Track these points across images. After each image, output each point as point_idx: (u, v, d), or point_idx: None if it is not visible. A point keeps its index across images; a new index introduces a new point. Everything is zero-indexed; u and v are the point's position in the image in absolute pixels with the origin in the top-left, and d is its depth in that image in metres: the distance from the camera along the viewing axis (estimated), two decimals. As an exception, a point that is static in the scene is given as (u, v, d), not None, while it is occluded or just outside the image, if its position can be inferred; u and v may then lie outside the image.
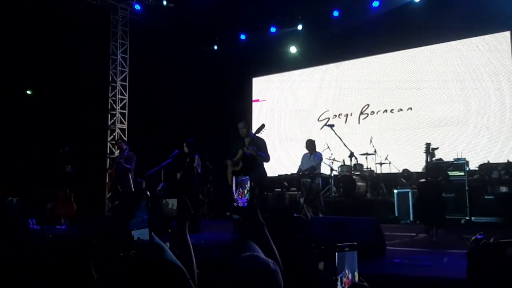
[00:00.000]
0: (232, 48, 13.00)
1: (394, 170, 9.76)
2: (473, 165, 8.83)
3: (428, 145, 6.61)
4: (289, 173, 9.37)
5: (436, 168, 7.51)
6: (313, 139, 9.27)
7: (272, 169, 7.17)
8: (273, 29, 12.47)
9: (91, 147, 11.19)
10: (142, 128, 12.16)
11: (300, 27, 12.11)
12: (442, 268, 4.22)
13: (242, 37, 13.00)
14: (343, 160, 9.83)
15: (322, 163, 8.87)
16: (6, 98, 9.93)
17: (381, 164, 9.75)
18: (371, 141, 9.78)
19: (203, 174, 10.85)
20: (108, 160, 11.92)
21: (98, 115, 11.95)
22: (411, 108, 10.73)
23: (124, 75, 12.55)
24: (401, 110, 10.88)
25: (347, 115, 11.76)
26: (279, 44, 12.57)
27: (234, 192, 2.16)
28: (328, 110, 12.10)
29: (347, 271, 1.66)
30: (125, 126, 12.48)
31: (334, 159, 9.42)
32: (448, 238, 5.96)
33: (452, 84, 10.22)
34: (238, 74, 13.28)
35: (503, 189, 8.21)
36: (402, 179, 9.66)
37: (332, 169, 9.29)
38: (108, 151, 12.20)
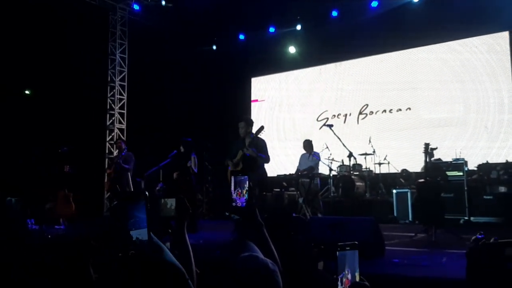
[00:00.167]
0: (231, 48, 13.00)
1: (393, 170, 9.77)
2: (472, 165, 8.84)
3: (427, 145, 6.62)
4: (287, 173, 9.37)
5: (435, 168, 7.52)
6: (312, 139, 9.28)
7: (271, 169, 7.18)
8: (272, 29, 12.47)
9: (90, 147, 11.19)
10: (141, 128, 12.15)
11: (299, 27, 12.11)
12: (441, 268, 4.23)
13: (241, 37, 12.99)
14: (342, 160, 9.83)
15: (321, 163, 8.87)
16: (6, 98, 9.92)
17: (380, 164, 9.75)
18: (370, 141, 9.78)
19: (202, 174, 10.87)
20: (106, 160, 11.91)
21: (96, 115, 11.95)
22: (410, 108, 10.74)
23: (122, 75, 12.55)
24: (400, 110, 10.89)
25: (346, 115, 11.76)
26: (278, 44, 12.57)
27: (233, 192, 2.16)
28: (327, 110, 12.11)
29: (347, 271, 1.66)
30: (123, 126, 12.48)
31: (333, 159, 9.43)
32: (447, 238, 5.97)
33: (451, 84, 10.23)
34: (237, 74, 13.28)
35: (502, 189, 8.22)
36: (401, 179, 9.67)
37: (331, 169, 9.30)
38: (107, 151, 12.19)
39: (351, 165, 9.50)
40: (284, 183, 10.10)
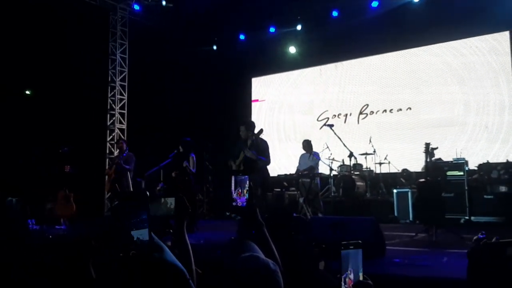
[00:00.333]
0: (231, 48, 13.00)
1: (393, 170, 9.77)
2: (472, 165, 8.84)
3: (427, 145, 6.62)
4: (288, 173, 9.37)
5: (435, 168, 7.51)
6: (312, 139, 9.29)
7: (272, 169, 7.18)
8: (272, 29, 12.47)
9: (91, 147, 11.19)
10: (141, 128, 12.15)
11: (299, 27, 12.11)
12: (442, 268, 4.22)
13: (241, 37, 13.00)
14: (343, 160, 9.83)
15: (321, 163, 8.87)
16: (6, 98, 9.92)
17: (380, 164, 9.76)
18: (370, 141, 9.79)
19: (202, 174, 10.87)
20: (107, 160, 11.91)
21: (97, 115, 11.95)
22: (410, 108, 10.73)
23: (123, 75, 12.55)
24: (401, 110, 10.88)
25: (346, 115, 11.76)
26: (278, 44, 12.57)
27: (233, 192, 2.16)
28: (327, 110, 12.10)
29: (350, 270, 1.66)
30: (124, 126, 12.48)
31: (333, 159, 9.43)
32: (448, 238, 5.96)
33: (451, 84, 10.23)
34: (237, 74, 13.28)
35: (503, 188, 8.22)
36: (402, 179, 9.67)
37: (331, 169, 9.30)
38: (108, 151, 12.19)
39: (351, 165, 9.50)
40: (285, 183, 10.11)
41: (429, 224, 6.14)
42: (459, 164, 8.38)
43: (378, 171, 9.83)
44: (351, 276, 1.66)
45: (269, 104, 13.37)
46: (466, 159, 8.53)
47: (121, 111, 12.49)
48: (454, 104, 10.13)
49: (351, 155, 9.14)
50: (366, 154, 9.80)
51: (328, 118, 11.93)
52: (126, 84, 12.58)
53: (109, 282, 1.70)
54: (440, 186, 6.60)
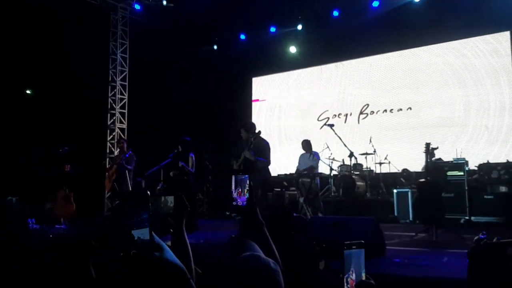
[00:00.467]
0: (232, 48, 13.00)
1: (393, 170, 9.78)
2: (472, 165, 8.84)
3: (427, 145, 6.62)
4: (288, 172, 9.37)
5: (435, 168, 7.52)
6: (313, 138, 9.28)
7: (272, 169, 7.18)
8: (273, 29, 12.47)
9: (91, 147, 11.18)
10: (142, 128, 12.15)
11: (300, 27, 12.11)
12: (442, 268, 4.22)
13: (242, 37, 13.00)
14: (343, 160, 9.84)
15: (321, 163, 8.87)
16: (6, 98, 9.92)
17: (380, 164, 9.76)
18: (370, 141, 9.79)
19: (202, 173, 10.86)
20: (108, 159, 11.91)
21: (97, 114, 11.95)
22: (410, 108, 10.73)
23: (124, 74, 12.55)
24: (401, 110, 10.88)
25: (346, 114, 11.76)
26: (279, 44, 12.57)
27: (233, 191, 2.16)
28: (327, 110, 12.10)
29: (353, 270, 1.66)
30: (124, 126, 12.48)
31: (333, 159, 9.43)
32: (448, 238, 5.96)
33: (451, 84, 10.23)
34: (238, 74, 13.28)
35: (503, 188, 8.22)
36: (402, 179, 9.67)
37: (331, 169, 9.30)
38: (108, 151, 12.19)
39: (351, 164, 9.51)
40: (285, 183, 10.11)
41: (429, 224, 6.14)
42: (459, 164, 8.37)
43: (378, 171, 9.84)
44: (354, 276, 1.66)
45: (270, 104, 13.38)
46: (466, 159, 8.53)
47: (121, 110, 12.50)
48: (454, 104, 10.13)
49: (351, 155, 9.14)
50: (366, 154, 9.80)
51: (328, 118, 11.93)
52: (126, 83, 12.58)
53: (109, 282, 1.70)
54: (440, 186, 6.60)
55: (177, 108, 12.73)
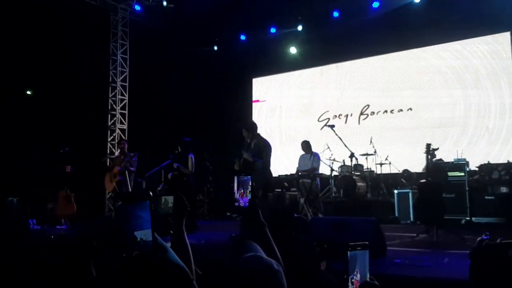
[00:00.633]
0: (232, 48, 12.99)
1: (394, 171, 9.77)
2: (473, 166, 8.82)
3: (428, 145, 6.62)
4: (289, 173, 9.37)
5: (436, 168, 7.52)
6: (313, 139, 9.28)
7: (272, 169, 7.18)
8: (273, 30, 12.47)
9: (91, 148, 11.18)
10: (142, 129, 12.15)
11: (300, 27, 12.11)
12: (443, 269, 4.22)
13: (242, 37, 13.00)
14: (343, 161, 9.83)
15: (322, 163, 8.87)
16: (6, 98, 9.92)
17: (381, 164, 9.76)
18: (371, 142, 9.79)
19: (202, 174, 10.86)
20: (108, 160, 11.91)
21: (98, 115, 11.95)
22: (411, 109, 10.73)
23: (124, 75, 12.56)
24: (401, 110, 10.88)
25: (347, 115, 11.76)
26: (279, 44, 12.57)
27: (236, 192, 2.16)
28: (328, 111, 12.10)
29: (357, 271, 1.66)
30: (125, 127, 12.48)
31: (334, 160, 9.42)
32: (449, 239, 5.96)
33: (452, 84, 10.23)
34: (238, 74, 13.28)
35: (504, 189, 8.21)
36: (403, 180, 9.66)
37: (332, 170, 9.29)
38: (108, 152, 12.19)
39: (352, 165, 9.50)
40: (285, 184, 10.10)
41: (430, 225, 6.13)
42: (460, 164, 8.36)
43: (379, 172, 9.84)
44: (358, 277, 1.66)
45: (270, 105, 13.37)
46: (467, 159, 8.51)
47: (122, 111, 12.50)
48: (454, 105, 10.13)
49: (352, 155, 9.13)
50: (367, 154, 9.80)
51: (329, 119, 11.93)
52: (127, 84, 12.59)
53: (110, 282, 1.70)
54: (441, 186, 6.60)
55: (178, 109, 12.73)
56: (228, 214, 10.33)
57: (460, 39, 10.22)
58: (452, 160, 8.55)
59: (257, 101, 13.61)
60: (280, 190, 10.17)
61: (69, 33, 10.51)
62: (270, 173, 7.02)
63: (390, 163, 9.71)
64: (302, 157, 9.02)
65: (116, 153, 11.18)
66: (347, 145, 8.90)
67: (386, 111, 11.11)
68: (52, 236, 6.46)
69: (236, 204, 2.15)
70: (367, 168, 9.84)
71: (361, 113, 11.50)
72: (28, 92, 11.49)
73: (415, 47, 10.77)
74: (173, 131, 11.49)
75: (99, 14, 11.88)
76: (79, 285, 2.07)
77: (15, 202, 6.78)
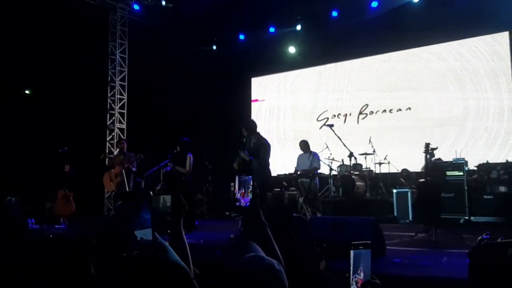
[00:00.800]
0: (231, 48, 12.99)
1: (393, 170, 9.78)
2: (472, 165, 8.83)
3: (427, 145, 6.62)
4: (287, 172, 9.38)
5: (435, 168, 7.51)
6: (312, 139, 9.31)
7: (271, 169, 7.19)
8: (272, 29, 12.47)
9: (90, 147, 11.17)
10: (141, 128, 12.13)
11: (299, 27, 12.11)
12: (442, 268, 4.23)
13: (241, 37, 12.99)
14: (342, 160, 9.84)
15: (321, 163, 8.87)
16: (6, 98, 9.92)
17: (380, 164, 9.76)
18: (370, 141, 9.80)
19: (201, 174, 10.86)
20: (107, 160, 11.89)
21: (97, 115, 11.94)
22: (410, 108, 10.74)
23: (123, 75, 12.54)
24: (400, 110, 10.89)
25: (346, 115, 11.76)
26: (278, 44, 12.57)
27: (237, 192, 2.16)
28: (327, 110, 12.10)
29: (360, 270, 1.66)
30: (124, 126, 12.47)
31: (333, 159, 9.43)
32: (447, 238, 5.97)
33: (451, 84, 10.24)
34: (237, 74, 13.28)
35: (502, 188, 8.22)
36: (401, 179, 9.67)
37: (331, 169, 9.30)
38: (107, 151, 12.17)
39: (351, 165, 9.52)
40: (284, 183, 10.10)
41: (429, 224, 6.14)
42: (459, 164, 8.37)
43: (377, 171, 9.84)
44: (362, 276, 1.66)
45: (269, 104, 13.37)
46: (465, 159, 8.52)
47: (120, 111, 12.48)
48: (453, 104, 10.14)
49: (351, 155, 9.15)
50: (366, 154, 9.81)
51: (327, 118, 11.93)
52: (125, 84, 12.57)
53: (110, 281, 1.70)
54: (440, 186, 6.60)
55: (177, 108, 12.72)
56: (227, 213, 10.34)
57: (458, 39, 10.22)
58: (451, 160, 8.56)
59: (256, 100, 13.61)
60: (279, 189, 10.18)
61: (68, 32, 10.50)
62: (269, 172, 7.02)
63: (389, 162, 9.72)
64: (300, 156, 9.02)
65: (115, 153, 11.16)
66: (346, 145, 8.91)
67: (385, 111, 11.11)
68: (51, 236, 6.46)
69: (237, 204, 2.16)
70: (366, 168, 9.85)
71: (360, 113, 11.51)
72: (27, 92, 11.48)
73: (414, 46, 10.78)
74: (172, 130, 11.48)
75: (98, 13, 11.86)
76: (78, 285, 2.07)
77: (14, 201, 6.78)
